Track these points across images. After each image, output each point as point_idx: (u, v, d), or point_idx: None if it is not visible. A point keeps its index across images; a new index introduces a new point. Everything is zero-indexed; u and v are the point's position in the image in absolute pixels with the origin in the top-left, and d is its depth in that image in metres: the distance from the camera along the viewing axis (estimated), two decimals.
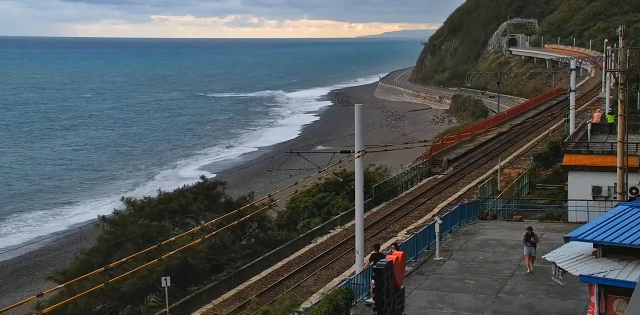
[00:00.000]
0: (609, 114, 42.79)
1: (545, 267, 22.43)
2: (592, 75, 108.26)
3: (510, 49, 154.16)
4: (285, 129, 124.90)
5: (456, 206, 34.36)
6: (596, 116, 44.85)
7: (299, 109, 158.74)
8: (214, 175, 67.66)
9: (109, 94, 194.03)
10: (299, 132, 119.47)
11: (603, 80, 76.30)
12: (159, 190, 40.76)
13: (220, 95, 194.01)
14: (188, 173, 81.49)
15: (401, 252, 18.79)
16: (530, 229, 25.42)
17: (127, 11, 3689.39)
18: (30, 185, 79.45)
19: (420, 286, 23.64)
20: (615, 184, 33.06)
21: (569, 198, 36.87)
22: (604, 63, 64.86)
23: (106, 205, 62.46)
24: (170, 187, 46.74)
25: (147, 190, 65.15)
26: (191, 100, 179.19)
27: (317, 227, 41.73)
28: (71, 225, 58.86)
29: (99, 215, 36.21)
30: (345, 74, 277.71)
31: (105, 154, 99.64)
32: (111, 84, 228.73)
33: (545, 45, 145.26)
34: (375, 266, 17.28)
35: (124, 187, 77.37)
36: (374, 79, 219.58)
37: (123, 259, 19.84)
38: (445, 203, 45.52)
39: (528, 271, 24.57)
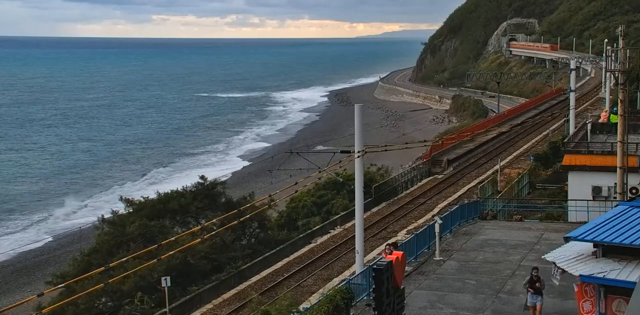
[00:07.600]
0: (612, 114, 42.70)
1: (546, 267, 22.40)
2: (592, 75, 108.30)
3: (511, 49, 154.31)
4: (285, 129, 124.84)
5: (456, 206, 34.34)
6: (604, 116, 44.81)
7: (299, 109, 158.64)
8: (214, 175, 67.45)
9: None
10: (299, 132, 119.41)
11: (603, 81, 76.27)
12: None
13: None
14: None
15: (401, 252, 18.77)
16: (536, 269, 19.89)
17: (129, 11, 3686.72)
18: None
19: (420, 286, 23.63)
20: (615, 184, 33.08)
21: (569, 198, 36.88)
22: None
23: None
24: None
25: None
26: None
27: (317, 227, 41.74)
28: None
29: (98, 217, 36.13)
30: (345, 73, 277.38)
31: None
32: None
33: (510, 43, 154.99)
34: (375, 266, 17.25)
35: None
36: (374, 78, 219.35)
37: (123, 259, 19.84)
38: (445, 203, 45.52)
39: None
